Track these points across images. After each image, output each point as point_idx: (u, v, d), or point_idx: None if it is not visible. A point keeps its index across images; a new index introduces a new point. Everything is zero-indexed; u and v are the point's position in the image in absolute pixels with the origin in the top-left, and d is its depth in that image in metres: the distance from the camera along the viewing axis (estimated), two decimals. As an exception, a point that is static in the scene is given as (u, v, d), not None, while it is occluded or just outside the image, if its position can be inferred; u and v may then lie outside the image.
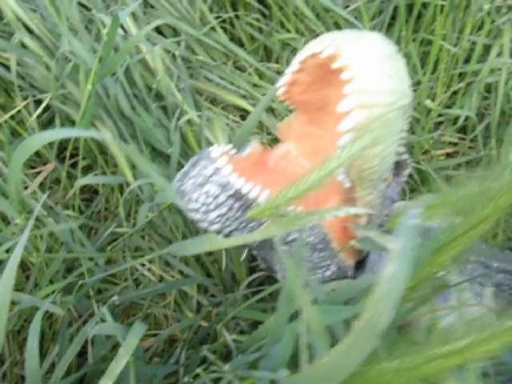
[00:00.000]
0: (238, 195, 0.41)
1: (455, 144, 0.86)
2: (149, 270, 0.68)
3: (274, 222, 0.38)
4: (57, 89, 0.70)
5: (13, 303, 0.56)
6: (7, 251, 0.54)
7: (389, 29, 0.82)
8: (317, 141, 0.49)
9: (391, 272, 0.22)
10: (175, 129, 0.69)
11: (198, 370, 0.44)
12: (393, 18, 0.85)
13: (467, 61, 0.81)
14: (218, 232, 0.43)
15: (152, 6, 0.86)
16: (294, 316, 0.35)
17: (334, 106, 0.44)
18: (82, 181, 0.66)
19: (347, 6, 0.82)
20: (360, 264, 0.55)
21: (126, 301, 0.57)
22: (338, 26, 0.82)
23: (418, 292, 0.31)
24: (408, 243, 0.23)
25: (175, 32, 0.85)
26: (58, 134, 0.36)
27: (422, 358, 0.22)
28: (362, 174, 0.43)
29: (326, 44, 0.38)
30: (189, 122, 0.72)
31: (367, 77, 0.37)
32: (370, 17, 0.79)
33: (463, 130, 0.84)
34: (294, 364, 0.32)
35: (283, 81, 0.44)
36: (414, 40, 0.81)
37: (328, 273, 0.50)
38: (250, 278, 0.59)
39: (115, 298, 0.54)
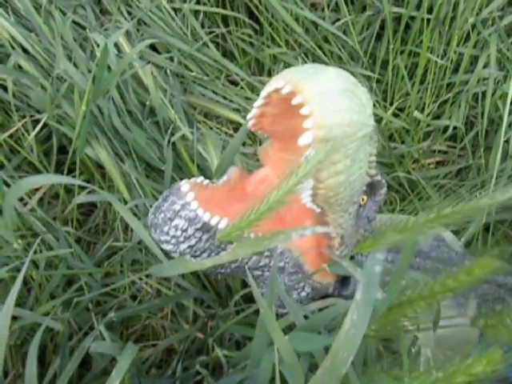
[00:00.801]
0: (205, 228, 0.43)
1: (445, 152, 0.87)
2: (146, 283, 0.69)
3: (240, 244, 0.40)
4: (52, 109, 0.72)
5: (14, 318, 0.57)
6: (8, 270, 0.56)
7: (376, 42, 0.84)
8: (289, 166, 0.51)
9: (350, 322, 0.24)
10: (168, 145, 0.71)
11: None
12: (381, 28, 0.87)
13: (455, 71, 0.83)
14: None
15: (145, 23, 0.88)
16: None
17: (304, 137, 0.46)
18: (79, 199, 0.67)
19: (337, 20, 0.84)
20: (344, 279, 0.57)
21: (124, 316, 0.58)
22: (327, 40, 0.83)
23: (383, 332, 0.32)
24: (369, 292, 0.25)
25: (168, 48, 0.86)
26: (48, 179, 0.38)
27: None
28: (328, 200, 0.44)
29: (286, 80, 0.40)
30: (182, 136, 0.74)
31: (324, 111, 0.38)
32: (358, 31, 0.81)
33: (453, 137, 0.85)
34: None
35: (251, 114, 0.46)
36: (401, 52, 0.82)
37: (303, 294, 0.52)
38: (242, 293, 0.61)
39: (112, 314, 0.56)
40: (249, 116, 0.46)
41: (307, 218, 0.49)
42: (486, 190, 0.77)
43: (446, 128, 0.84)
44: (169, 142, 0.71)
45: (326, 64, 0.86)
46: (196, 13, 0.87)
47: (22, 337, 0.62)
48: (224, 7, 0.88)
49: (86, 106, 0.65)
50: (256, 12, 0.87)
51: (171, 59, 0.84)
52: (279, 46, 0.86)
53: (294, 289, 0.51)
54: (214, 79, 0.85)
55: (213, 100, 0.84)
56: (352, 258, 0.56)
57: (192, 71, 0.84)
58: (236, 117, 0.84)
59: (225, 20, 0.90)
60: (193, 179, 0.46)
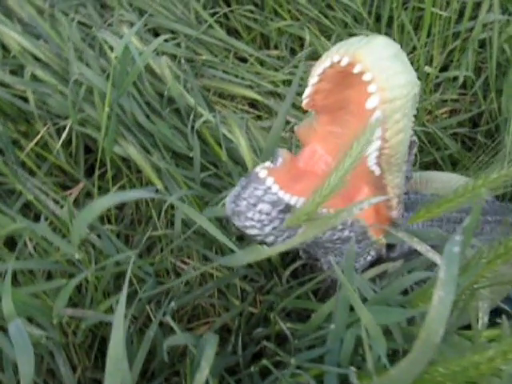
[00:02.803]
0: (287, 208, 0.46)
1: (456, 100, 0.89)
2: (193, 268, 0.72)
3: (308, 225, 0.43)
4: (76, 114, 0.73)
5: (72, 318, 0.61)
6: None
7: (380, 1, 0.84)
8: (339, 138, 0.53)
9: (438, 299, 0.28)
10: (193, 132, 0.73)
11: (264, 361, 0.48)
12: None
13: (459, 20, 0.84)
14: (272, 242, 0.48)
15: (146, 12, 0.88)
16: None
17: (354, 105, 0.48)
18: (117, 198, 0.70)
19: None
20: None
21: (184, 304, 0.61)
22: (330, 8, 0.84)
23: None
24: (451, 271, 0.28)
25: (173, 34, 0.87)
26: (116, 198, 0.40)
27: (468, 363, 0.28)
28: (390, 160, 0.47)
29: (342, 54, 0.42)
30: (204, 121, 0.76)
31: (384, 75, 0.41)
32: (360, -7, 0.82)
33: (463, 85, 0.87)
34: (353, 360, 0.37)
35: (306, 93, 0.47)
36: (405, 9, 0.83)
37: (369, 258, 0.55)
38: (292, 267, 0.63)
39: (173, 304, 0.58)
40: (304, 95, 0.47)
41: (364, 184, 0.51)
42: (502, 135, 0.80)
43: (455, 76, 0.86)
44: (192, 128, 0.73)
45: (332, 30, 0.87)
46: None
47: (85, 335, 0.66)
48: (223, -14, 0.89)
49: (109, 106, 0.66)
50: (255, -13, 0.87)
51: (178, 45, 0.85)
52: (283, 18, 0.87)
53: (360, 256, 0.54)
54: (223, 59, 0.86)
55: (225, 80, 0.86)
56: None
57: (201, 54, 0.85)
58: (250, 93, 0.85)
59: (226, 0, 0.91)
60: (265, 164, 0.48)
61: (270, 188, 0.46)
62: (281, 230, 0.47)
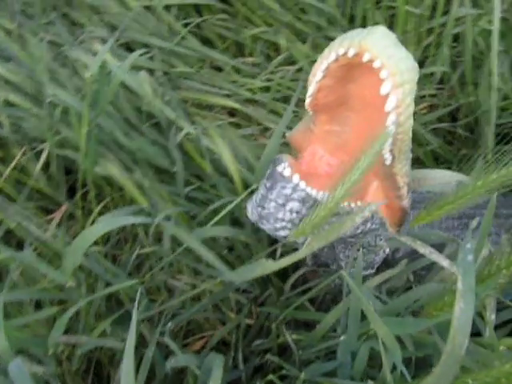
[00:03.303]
0: (316, 204, 0.45)
1: (434, 95, 0.89)
2: (185, 283, 0.71)
3: (331, 226, 0.43)
4: (53, 136, 0.72)
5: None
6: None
7: (354, 1, 0.84)
8: (339, 137, 0.52)
9: (460, 311, 0.27)
10: (174, 147, 0.72)
11: (271, 377, 0.47)
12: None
13: (432, 18, 0.84)
14: (303, 242, 0.47)
15: (117, 27, 0.87)
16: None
17: (355, 100, 0.48)
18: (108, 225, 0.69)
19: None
20: None
21: (181, 322, 0.60)
22: (303, 11, 0.84)
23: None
24: (468, 281, 0.28)
25: (147, 47, 0.86)
26: (109, 224, 0.39)
27: (499, 373, 0.27)
28: (401, 146, 0.47)
29: (346, 46, 0.42)
30: (186, 134, 0.75)
31: (392, 61, 0.41)
32: (332, -5, 0.82)
33: (440, 80, 0.87)
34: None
35: (310, 92, 0.47)
36: (378, 9, 0.84)
37: (377, 260, 0.54)
38: (293, 277, 0.63)
39: (170, 324, 0.57)
40: (308, 94, 0.47)
41: (373, 176, 0.51)
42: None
43: (432, 72, 0.86)
44: (174, 142, 0.72)
45: (307, 33, 0.87)
46: (167, 8, 0.86)
47: (81, 361, 0.65)
48: (193, -4, 0.88)
49: (87, 127, 0.65)
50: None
51: (152, 58, 0.84)
52: (256, 25, 0.86)
53: (373, 252, 0.53)
54: (199, 70, 0.85)
55: (202, 90, 0.85)
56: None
57: (176, 66, 0.84)
58: (229, 102, 0.84)
59: (197, 9, 0.89)
60: (286, 162, 0.48)
61: (297, 185, 0.46)
62: None
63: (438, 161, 0.88)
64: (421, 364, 0.42)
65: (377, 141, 0.40)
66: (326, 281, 0.53)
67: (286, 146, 0.71)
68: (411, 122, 0.45)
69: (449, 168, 0.86)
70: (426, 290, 0.40)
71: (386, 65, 0.41)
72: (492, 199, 0.43)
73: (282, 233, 0.47)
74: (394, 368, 0.38)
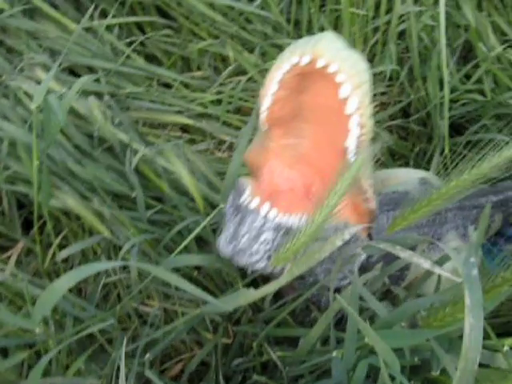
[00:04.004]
0: (288, 230, 0.45)
1: (384, 93, 0.90)
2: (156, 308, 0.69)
3: (308, 251, 0.42)
4: (1, 172, 0.69)
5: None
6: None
7: (298, 7, 0.84)
8: (295, 150, 0.52)
9: (470, 326, 0.27)
10: (131, 170, 0.69)
11: None
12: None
13: (376, 17, 0.85)
14: (281, 272, 0.46)
15: (58, 52, 0.84)
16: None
17: (308, 111, 0.47)
18: (63, 253, 0.66)
19: None
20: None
21: (157, 351, 0.59)
22: (248, 21, 0.83)
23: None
24: (476, 297, 0.28)
25: (91, 70, 0.83)
26: (81, 273, 0.37)
27: None
28: (364, 147, 0.46)
29: (299, 54, 0.42)
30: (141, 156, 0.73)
31: (348, 63, 0.41)
32: (276, 3, 0.81)
33: (389, 77, 0.88)
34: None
35: (266, 105, 0.46)
36: (323, 12, 0.84)
37: (356, 264, 0.54)
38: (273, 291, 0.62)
39: (148, 355, 0.56)
40: (264, 107, 0.46)
41: None
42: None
43: (381, 71, 0.87)
44: (130, 166, 0.70)
45: (254, 43, 0.86)
46: (108, 28, 0.84)
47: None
48: (134, 14, 0.86)
49: (38, 159, 0.63)
50: (169, 10, 0.85)
51: (98, 81, 0.81)
52: (202, 38, 0.85)
53: (350, 262, 0.52)
54: (147, 88, 0.83)
55: (152, 109, 0.83)
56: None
57: (123, 87, 0.82)
58: (181, 118, 0.83)
59: (140, 27, 0.87)
60: (248, 191, 0.47)
61: (267, 215, 0.45)
62: None
63: (395, 157, 0.88)
64: (416, 368, 0.42)
65: (353, 164, 0.39)
66: (305, 295, 0.52)
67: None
68: (372, 121, 0.45)
69: (406, 163, 0.87)
70: (423, 302, 0.40)
71: (342, 68, 0.41)
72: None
73: (258, 266, 0.46)
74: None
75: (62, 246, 0.78)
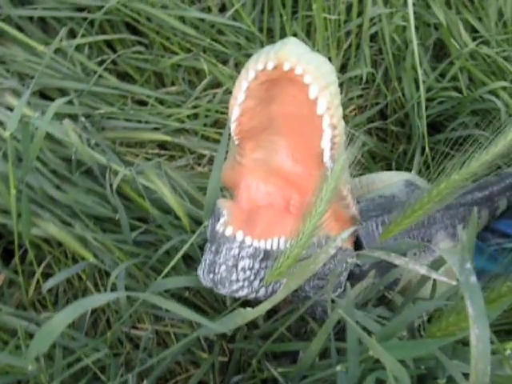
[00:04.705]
0: (267, 255, 0.44)
1: (361, 96, 0.90)
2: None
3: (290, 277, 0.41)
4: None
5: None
6: None
7: (270, 15, 0.84)
8: (268, 163, 0.51)
9: (476, 337, 0.26)
10: (112, 192, 0.68)
11: None
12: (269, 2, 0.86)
13: (347, 21, 0.85)
14: (264, 296, 0.46)
15: (26, 75, 0.82)
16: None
17: (278, 121, 0.47)
18: (49, 283, 0.64)
19: (222, 10, 0.83)
20: (358, 248, 0.58)
21: (153, 379, 0.57)
22: (221, 33, 0.82)
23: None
24: (477, 305, 0.27)
25: (62, 92, 0.81)
26: (79, 307, 0.35)
27: None
28: (339, 150, 0.46)
29: (264, 60, 0.41)
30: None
31: (313, 65, 0.40)
32: (247, 13, 0.80)
33: (366, 81, 0.88)
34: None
35: (234, 116, 0.45)
36: (295, 19, 0.83)
37: (342, 278, 0.53)
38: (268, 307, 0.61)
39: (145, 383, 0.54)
40: (233, 118, 0.45)
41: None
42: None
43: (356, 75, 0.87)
44: (111, 187, 0.68)
45: (227, 54, 0.85)
46: (77, 48, 0.82)
47: None
48: (103, 32, 0.84)
49: (15, 188, 0.61)
50: (139, 26, 0.83)
51: (71, 103, 0.79)
52: (174, 52, 0.84)
53: (338, 275, 0.51)
54: (122, 107, 0.81)
55: (129, 128, 0.81)
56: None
57: (97, 108, 0.80)
58: (158, 136, 0.82)
59: (110, 45, 0.86)
60: (224, 217, 0.46)
61: (243, 242, 0.44)
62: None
63: (376, 160, 0.88)
64: (422, 377, 0.41)
65: (332, 175, 0.39)
66: (299, 310, 0.51)
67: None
68: (343, 123, 0.44)
69: (388, 165, 0.87)
70: (420, 308, 0.40)
71: (307, 70, 0.40)
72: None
73: (241, 293, 0.45)
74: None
75: (44, 274, 0.76)
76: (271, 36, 0.85)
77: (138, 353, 0.67)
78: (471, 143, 0.41)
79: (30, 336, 0.67)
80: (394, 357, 0.33)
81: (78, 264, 0.67)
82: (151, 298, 0.43)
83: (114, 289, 0.66)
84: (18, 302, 0.74)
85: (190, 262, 0.70)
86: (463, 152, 0.42)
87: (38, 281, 0.72)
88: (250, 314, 0.42)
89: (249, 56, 0.85)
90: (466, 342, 0.35)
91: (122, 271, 0.61)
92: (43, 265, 0.73)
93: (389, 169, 0.87)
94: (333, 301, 0.57)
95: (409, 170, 0.85)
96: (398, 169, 0.85)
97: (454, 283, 0.40)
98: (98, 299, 0.37)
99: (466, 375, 0.37)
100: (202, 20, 0.80)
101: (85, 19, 0.82)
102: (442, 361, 0.37)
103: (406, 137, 0.88)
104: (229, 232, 0.45)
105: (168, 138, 0.81)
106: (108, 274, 0.73)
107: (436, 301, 0.42)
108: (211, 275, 0.45)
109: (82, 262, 0.68)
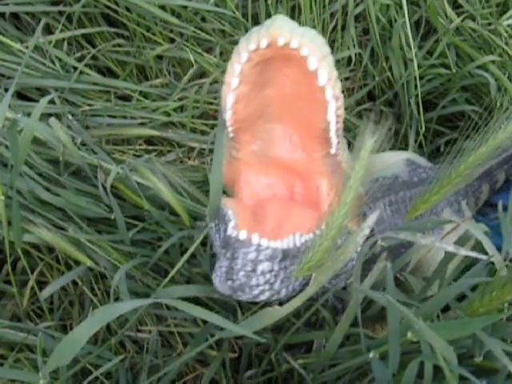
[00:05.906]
0: (285, 254, 0.42)
1: (348, 78, 0.89)
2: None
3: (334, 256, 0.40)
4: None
5: None
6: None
7: (253, 3, 0.81)
8: (266, 153, 0.50)
9: None
10: (106, 192, 0.65)
11: None
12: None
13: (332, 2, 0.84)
14: (286, 295, 0.44)
15: (2, 76, 0.78)
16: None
17: (274, 105, 0.45)
18: (46, 292, 0.62)
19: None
20: None
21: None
22: (205, 20, 0.79)
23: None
24: None
25: (42, 91, 0.78)
26: (107, 315, 0.33)
27: None
28: (341, 126, 0.44)
29: (256, 40, 0.39)
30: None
31: (307, 38, 0.39)
32: (232, -3, 0.78)
33: (353, 62, 0.87)
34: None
35: (229, 102, 0.43)
36: (280, 1, 0.81)
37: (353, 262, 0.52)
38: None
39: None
40: (227, 106, 0.43)
41: (319, 177, 0.49)
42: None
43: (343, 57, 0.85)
44: (104, 187, 0.65)
45: (212, 42, 0.83)
46: (56, 44, 0.79)
47: None
48: (82, 26, 0.80)
49: (3, 195, 0.58)
50: (118, 18, 0.80)
51: (52, 102, 0.75)
52: (157, 43, 0.81)
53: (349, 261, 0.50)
54: (106, 103, 0.78)
55: (114, 124, 0.78)
56: None
57: (80, 105, 0.77)
58: (145, 131, 0.79)
59: (89, 40, 0.82)
60: (234, 222, 0.44)
61: (260, 244, 0.42)
62: (288, 278, 0.43)
63: (367, 142, 0.87)
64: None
65: (357, 166, 0.37)
66: (320, 300, 0.50)
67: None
68: (343, 96, 0.43)
69: (381, 146, 0.86)
70: (466, 285, 0.38)
71: (303, 43, 0.39)
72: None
73: (263, 297, 0.43)
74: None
75: (36, 282, 0.73)
76: (256, 21, 0.83)
77: (143, 356, 0.65)
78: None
79: (28, 347, 0.64)
80: (443, 338, 0.32)
81: (76, 269, 0.65)
82: (175, 303, 0.41)
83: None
84: (12, 316, 0.71)
85: (190, 259, 0.68)
86: (463, 130, 0.42)
87: (31, 289, 0.70)
88: (278, 312, 0.40)
89: (235, 43, 0.82)
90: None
91: (122, 274, 0.59)
92: (36, 272, 0.70)
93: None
94: (344, 287, 0.56)
95: (401, 149, 0.84)
96: (390, 149, 0.85)
97: (485, 257, 0.40)
98: (122, 307, 0.35)
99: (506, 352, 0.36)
100: (185, 7, 0.77)
101: (61, 13, 0.79)
102: (482, 338, 0.36)
103: (396, 117, 0.87)
104: (243, 236, 0.43)
105: (156, 133, 0.79)
106: (103, 277, 0.71)
107: (466, 280, 0.41)
108: (229, 282, 0.43)
109: (75, 266, 0.66)
